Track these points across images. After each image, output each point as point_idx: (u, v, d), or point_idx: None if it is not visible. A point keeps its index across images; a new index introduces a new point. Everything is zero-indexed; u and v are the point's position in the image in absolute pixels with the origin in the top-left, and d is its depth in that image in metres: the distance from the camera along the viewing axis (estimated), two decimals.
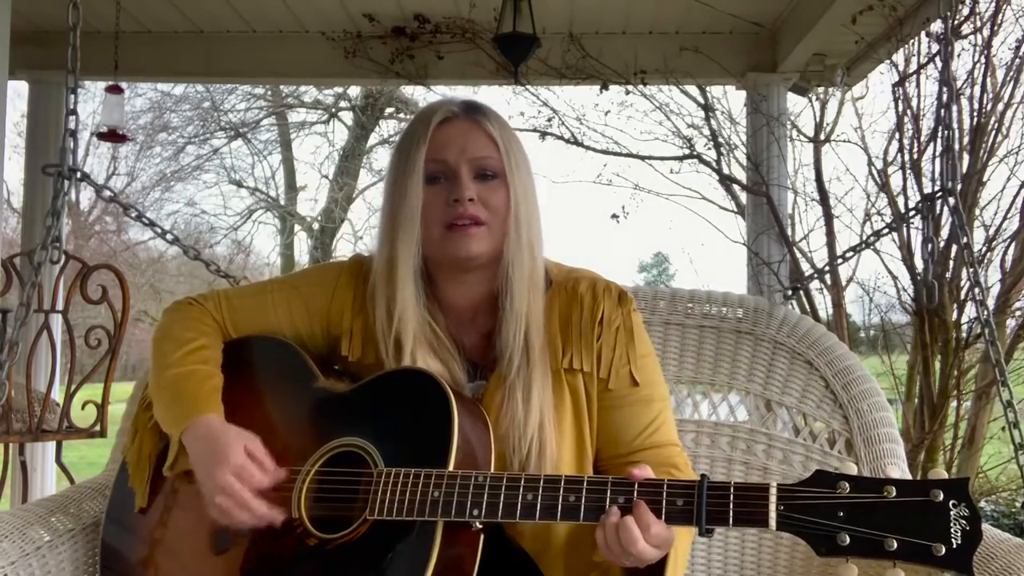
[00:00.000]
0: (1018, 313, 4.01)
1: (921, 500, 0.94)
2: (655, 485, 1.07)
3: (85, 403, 3.32)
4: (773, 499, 1.00)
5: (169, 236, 2.20)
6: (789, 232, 4.50)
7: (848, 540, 0.95)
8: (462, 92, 5.84)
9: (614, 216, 6.26)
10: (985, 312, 1.96)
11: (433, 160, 1.29)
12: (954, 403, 3.86)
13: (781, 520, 0.99)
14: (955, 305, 3.79)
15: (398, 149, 1.34)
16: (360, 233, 13.95)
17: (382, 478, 1.16)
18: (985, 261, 3.94)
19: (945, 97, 1.97)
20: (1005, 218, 3.91)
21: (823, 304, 4.53)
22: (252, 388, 1.39)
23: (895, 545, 0.93)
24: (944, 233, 3.60)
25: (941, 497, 0.93)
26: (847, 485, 0.97)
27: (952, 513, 0.93)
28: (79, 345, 3.41)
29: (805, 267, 4.48)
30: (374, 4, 4.30)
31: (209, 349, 1.36)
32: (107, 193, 2.14)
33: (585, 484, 1.10)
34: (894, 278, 4.12)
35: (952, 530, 0.92)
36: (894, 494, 0.95)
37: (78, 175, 1.95)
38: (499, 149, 1.30)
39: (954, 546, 0.92)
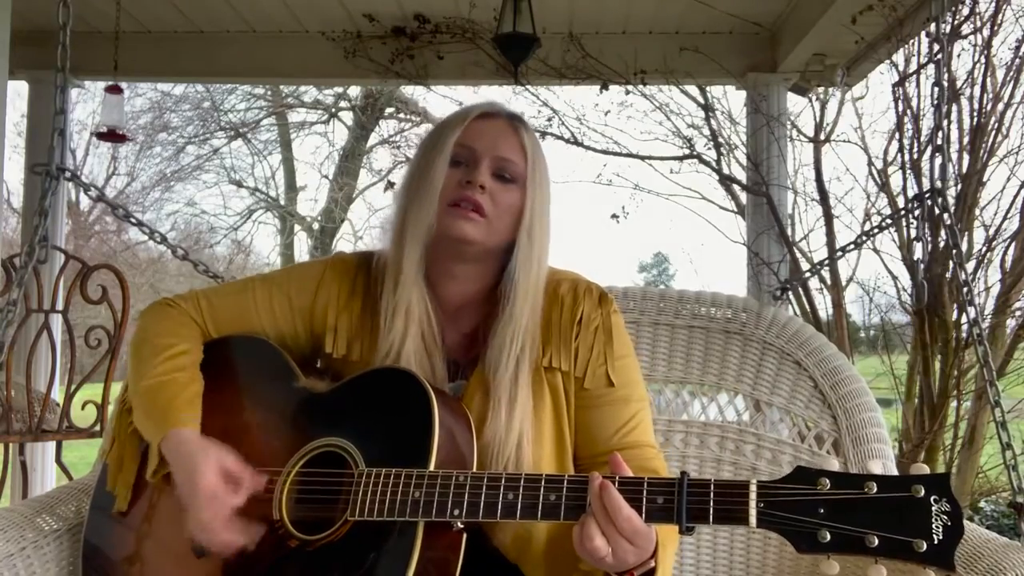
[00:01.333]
0: (1018, 313, 4.01)
1: (902, 496, 0.93)
2: (635, 482, 1.06)
3: (85, 403, 3.33)
4: (753, 496, 0.99)
5: (157, 236, 2.20)
6: (789, 232, 4.49)
7: (829, 537, 0.95)
8: (462, 92, 5.85)
9: (614, 216, 6.24)
10: (973, 311, 1.96)
11: (462, 145, 1.31)
12: (954, 403, 3.86)
13: (761, 517, 0.98)
14: (955, 305, 3.78)
15: (429, 136, 1.37)
16: (360, 233, 13.95)
17: (363, 479, 1.16)
18: (985, 261, 3.94)
19: (938, 98, 1.97)
20: (1005, 218, 3.91)
21: (823, 304, 4.53)
22: (233, 389, 1.38)
23: (876, 541, 0.93)
24: (942, 233, 3.59)
25: (923, 493, 0.93)
26: (827, 481, 0.97)
27: (933, 509, 0.92)
28: (79, 345, 3.42)
29: (805, 267, 4.48)
30: (374, 4, 4.30)
31: (188, 355, 1.35)
32: (95, 193, 2.14)
33: (566, 483, 1.09)
34: (894, 278, 4.12)
35: (934, 526, 0.92)
36: (875, 490, 0.95)
37: (66, 174, 1.95)
38: (526, 159, 1.32)
39: (935, 542, 0.91)
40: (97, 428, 3.33)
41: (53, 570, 1.41)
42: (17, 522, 1.40)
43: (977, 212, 3.95)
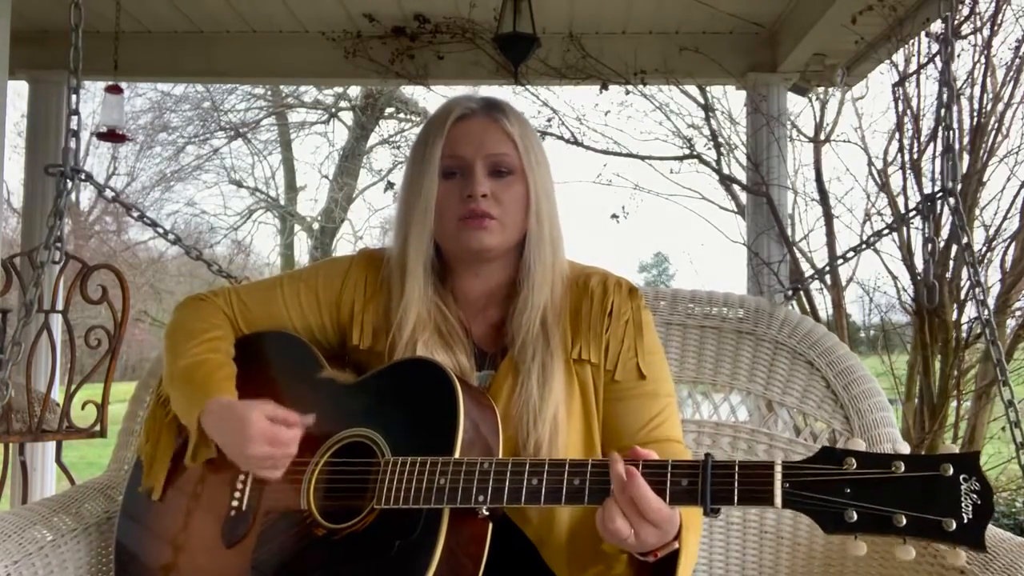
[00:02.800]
0: (1018, 313, 4.02)
1: (930, 475, 0.91)
2: (659, 465, 1.05)
3: (85, 403, 3.32)
4: (778, 476, 0.97)
5: (171, 236, 2.20)
6: (789, 232, 4.50)
7: (855, 517, 0.93)
8: (462, 92, 5.82)
9: (614, 216, 6.25)
10: (986, 312, 1.96)
11: (450, 156, 1.32)
12: (954, 403, 3.86)
13: (787, 497, 0.97)
14: (955, 305, 3.79)
15: (416, 143, 1.38)
16: (360, 233, 13.95)
17: (388, 467, 1.17)
18: (985, 261, 3.94)
19: (945, 97, 1.97)
20: (1005, 218, 3.92)
21: (823, 304, 4.54)
22: (262, 383, 1.40)
23: (904, 521, 0.91)
24: (944, 233, 3.60)
25: (951, 471, 0.90)
26: (854, 461, 0.95)
27: (963, 487, 0.90)
28: (79, 345, 3.41)
29: (805, 267, 4.48)
30: (374, 4, 4.30)
31: (221, 340, 1.38)
32: (110, 193, 2.14)
33: (589, 467, 1.09)
34: (894, 278, 4.13)
35: (963, 504, 0.89)
36: (902, 469, 0.92)
37: (81, 176, 1.96)
38: (516, 146, 1.33)
39: (965, 521, 0.89)
40: (97, 428, 3.33)
41: (71, 569, 1.41)
42: (34, 521, 1.40)
43: (977, 212, 3.96)
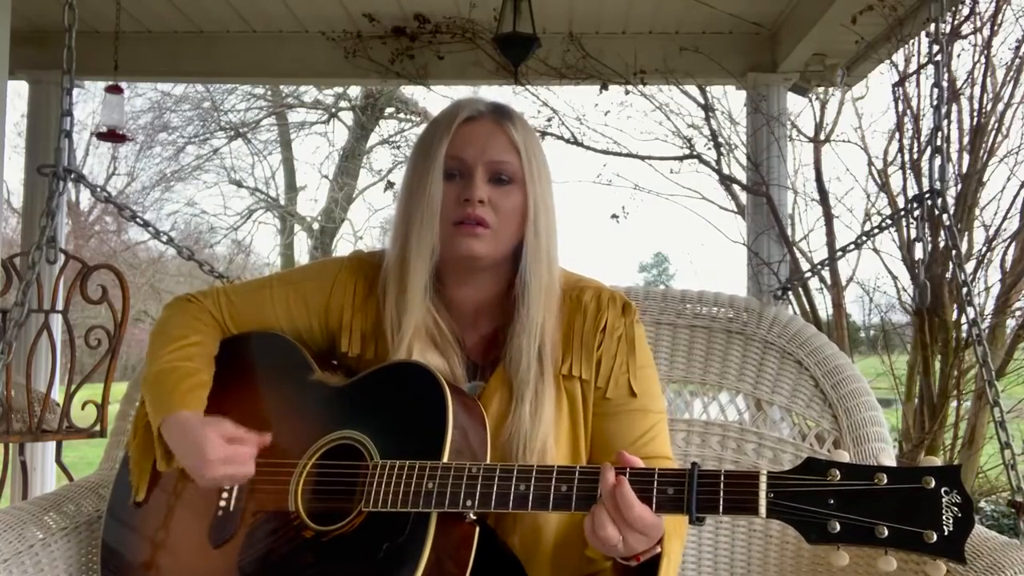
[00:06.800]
0: (1018, 313, 4.01)
1: (912, 487, 0.93)
2: (646, 473, 1.07)
3: (85, 403, 3.33)
4: (763, 487, 0.99)
5: (164, 237, 2.20)
6: (789, 232, 4.50)
7: (838, 527, 0.94)
8: (462, 92, 5.83)
9: (614, 216, 6.24)
10: (972, 312, 1.96)
11: (452, 157, 1.29)
12: (954, 403, 3.86)
13: (771, 507, 0.98)
14: (955, 305, 3.79)
15: (419, 143, 1.35)
16: (360, 233, 13.97)
17: (377, 470, 1.17)
18: (985, 261, 3.94)
19: (937, 99, 1.97)
20: (1005, 218, 3.91)
21: (823, 304, 4.54)
22: (250, 384, 1.40)
23: (886, 532, 0.92)
24: (942, 233, 3.59)
25: (933, 484, 0.92)
26: (838, 472, 0.97)
27: (944, 500, 0.92)
28: (79, 345, 3.41)
29: (805, 267, 4.48)
30: (374, 4, 4.30)
31: (198, 346, 1.37)
32: (102, 194, 2.14)
33: (577, 474, 1.10)
34: (894, 278, 4.13)
35: (944, 517, 0.91)
36: (885, 481, 0.94)
37: (72, 176, 1.96)
38: (519, 155, 1.30)
39: (946, 533, 0.91)
40: (97, 428, 3.33)
41: (62, 567, 1.41)
42: (24, 520, 1.41)
43: (977, 212, 3.95)
